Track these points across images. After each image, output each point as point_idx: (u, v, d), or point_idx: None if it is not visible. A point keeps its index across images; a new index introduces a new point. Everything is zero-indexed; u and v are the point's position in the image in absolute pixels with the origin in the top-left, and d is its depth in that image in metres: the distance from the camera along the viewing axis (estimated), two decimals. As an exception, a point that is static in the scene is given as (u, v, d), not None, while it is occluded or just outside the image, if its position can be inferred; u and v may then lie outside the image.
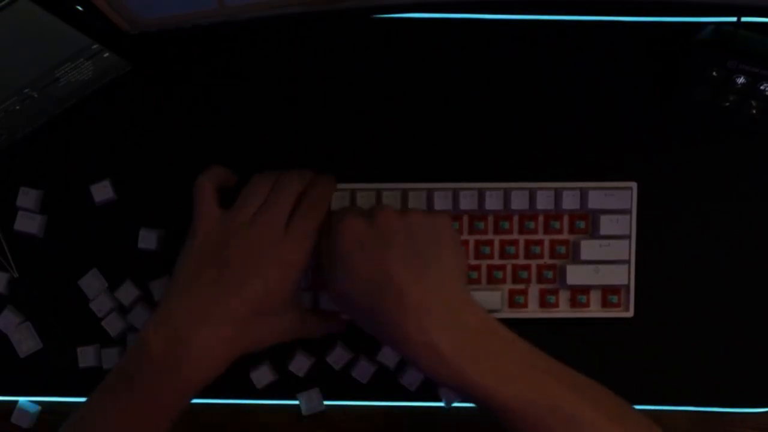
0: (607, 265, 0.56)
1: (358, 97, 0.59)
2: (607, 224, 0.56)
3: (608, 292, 0.57)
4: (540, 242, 0.57)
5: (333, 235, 0.50)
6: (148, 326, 0.49)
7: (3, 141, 0.57)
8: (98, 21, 0.47)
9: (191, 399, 0.49)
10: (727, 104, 0.56)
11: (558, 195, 0.56)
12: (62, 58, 0.50)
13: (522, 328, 0.49)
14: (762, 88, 0.55)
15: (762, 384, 0.60)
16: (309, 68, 0.59)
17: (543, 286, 0.57)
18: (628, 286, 0.57)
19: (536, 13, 0.59)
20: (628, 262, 0.57)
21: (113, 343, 0.59)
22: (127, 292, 0.58)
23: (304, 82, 0.59)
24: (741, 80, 0.55)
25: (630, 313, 0.57)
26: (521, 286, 0.57)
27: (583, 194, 0.56)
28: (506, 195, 0.56)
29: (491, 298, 0.56)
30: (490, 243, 0.57)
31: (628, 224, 0.56)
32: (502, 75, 0.59)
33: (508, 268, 0.57)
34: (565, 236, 0.57)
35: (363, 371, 0.59)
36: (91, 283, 0.59)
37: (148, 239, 0.58)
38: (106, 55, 0.53)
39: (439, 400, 0.59)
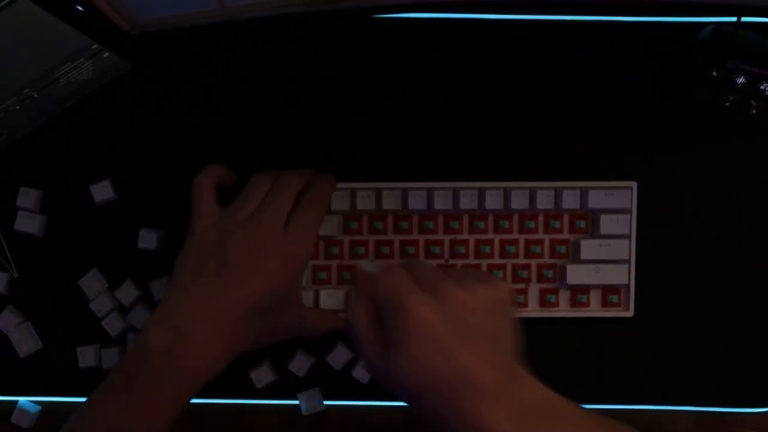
0: (607, 264, 0.56)
1: (358, 97, 0.59)
2: (607, 224, 0.56)
3: (608, 292, 0.57)
4: (540, 242, 0.57)
5: (395, 319, 0.43)
6: (148, 325, 0.49)
7: (3, 141, 0.57)
8: (98, 21, 0.47)
9: (192, 397, 0.49)
10: (727, 104, 0.56)
11: (558, 194, 0.56)
12: (62, 58, 0.50)
13: (522, 327, 0.49)
14: (762, 88, 0.55)
15: (762, 384, 0.59)
16: (309, 68, 0.59)
17: (543, 285, 0.57)
18: (628, 286, 0.57)
19: (536, 13, 0.59)
20: (628, 261, 0.57)
21: (113, 343, 0.59)
22: (127, 292, 0.58)
23: (304, 82, 0.59)
24: (741, 80, 0.55)
25: (630, 313, 0.57)
26: (521, 286, 0.57)
27: (583, 194, 0.56)
28: (506, 194, 0.56)
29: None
30: (490, 242, 0.57)
31: (628, 224, 0.56)
32: (502, 75, 0.59)
33: (508, 268, 0.57)
34: (565, 236, 0.57)
35: (363, 371, 0.59)
36: (91, 283, 0.59)
37: (148, 239, 0.58)
38: (106, 55, 0.53)
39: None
